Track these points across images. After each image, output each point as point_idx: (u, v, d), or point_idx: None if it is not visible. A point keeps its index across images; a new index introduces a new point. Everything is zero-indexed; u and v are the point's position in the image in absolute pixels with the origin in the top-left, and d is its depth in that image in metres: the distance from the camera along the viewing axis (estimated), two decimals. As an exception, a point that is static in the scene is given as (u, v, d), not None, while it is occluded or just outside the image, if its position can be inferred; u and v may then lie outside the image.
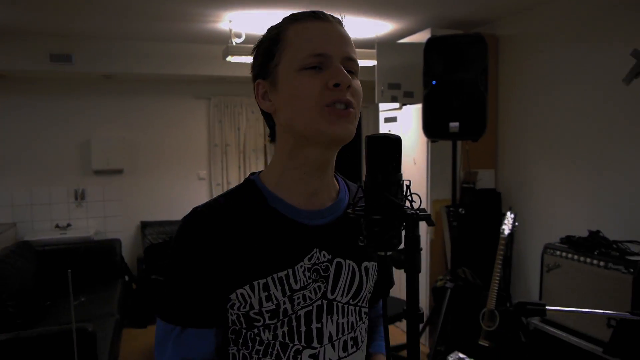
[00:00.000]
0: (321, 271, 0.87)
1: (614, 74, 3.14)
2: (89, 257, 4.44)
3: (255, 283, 0.83)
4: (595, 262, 2.76)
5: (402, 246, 0.67)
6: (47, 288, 4.04)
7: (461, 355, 3.00)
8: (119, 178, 5.20)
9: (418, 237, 0.66)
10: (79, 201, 5.06)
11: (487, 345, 3.13)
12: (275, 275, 0.84)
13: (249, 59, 4.05)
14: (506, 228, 3.33)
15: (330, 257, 0.88)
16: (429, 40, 3.39)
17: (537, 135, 3.78)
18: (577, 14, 3.41)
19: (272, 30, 0.90)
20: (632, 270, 2.56)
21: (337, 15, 0.89)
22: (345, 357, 0.90)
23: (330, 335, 0.88)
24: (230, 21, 3.85)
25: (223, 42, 4.37)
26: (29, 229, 4.85)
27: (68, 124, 4.99)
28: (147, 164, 5.31)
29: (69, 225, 4.98)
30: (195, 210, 0.86)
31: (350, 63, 0.84)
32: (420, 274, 0.67)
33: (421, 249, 0.66)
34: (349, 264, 0.90)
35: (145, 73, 4.77)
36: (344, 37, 0.85)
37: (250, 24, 3.92)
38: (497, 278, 3.23)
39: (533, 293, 3.65)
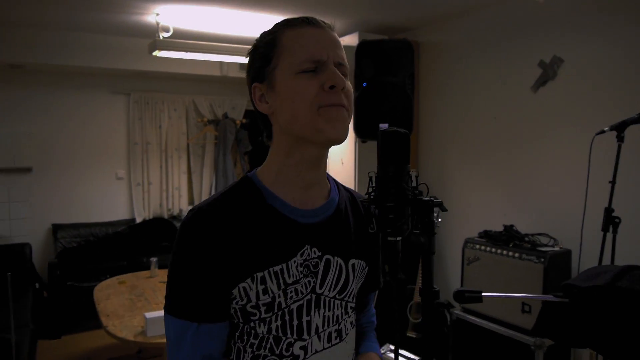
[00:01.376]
0: (311, 267, 0.91)
1: (523, 82, 3.46)
2: (-5, 263, 4.08)
3: (255, 275, 0.87)
4: (510, 253, 3.02)
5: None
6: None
7: (392, 347, 3.15)
8: (27, 177, 4.80)
9: (433, 222, 0.71)
10: (-20, 202, 4.62)
11: (415, 336, 3.31)
12: (271, 269, 0.87)
13: (177, 54, 3.94)
14: (430, 224, 3.54)
15: (320, 253, 0.92)
16: (360, 44, 3.50)
17: (455, 136, 4.04)
18: (490, 27, 3.70)
19: (266, 35, 0.92)
20: (542, 259, 2.84)
21: (327, 21, 0.94)
22: (329, 347, 0.95)
23: (317, 327, 0.93)
24: (157, 14, 3.72)
25: (147, 36, 4.20)
26: None
27: (-33, 118, 4.54)
28: (59, 162, 4.95)
29: (-33, 229, 4.53)
30: (200, 209, 0.88)
31: (342, 67, 0.89)
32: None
33: (435, 233, 0.72)
34: (337, 261, 0.95)
35: (59, 64, 4.45)
36: (336, 43, 0.90)
37: (178, 18, 3.81)
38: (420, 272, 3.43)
39: (453, 284, 3.91)
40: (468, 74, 3.90)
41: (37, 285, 4.40)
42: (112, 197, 5.25)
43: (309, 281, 0.91)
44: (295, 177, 0.92)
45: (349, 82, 0.90)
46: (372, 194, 0.73)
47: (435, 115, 4.23)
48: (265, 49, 0.90)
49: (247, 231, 0.87)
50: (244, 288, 0.86)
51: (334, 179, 1.03)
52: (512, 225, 3.22)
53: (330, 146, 0.92)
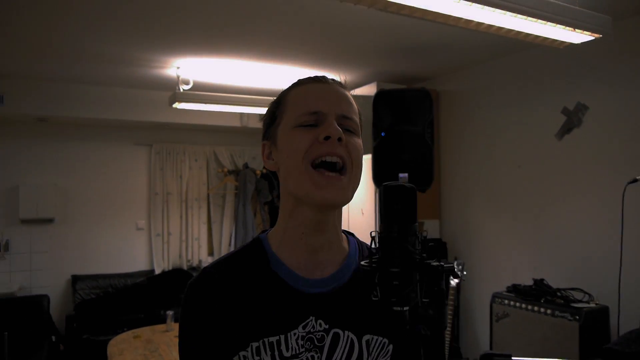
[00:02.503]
0: (316, 340, 0.82)
1: (547, 130, 3.36)
2: (13, 315, 4.03)
3: (251, 345, 0.80)
4: (542, 310, 2.83)
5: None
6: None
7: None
8: (49, 228, 4.83)
9: (444, 291, 0.62)
10: (2, 253, 4.63)
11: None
12: (266, 340, 0.80)
13: (197, 106, 3.99)
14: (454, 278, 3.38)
15: (327, 326, 0.83)
16: (378, 93, 3.49)
17: (479, 186, 3.92)
18: (511, 75, 3.65)
19: (279, 95, 0.93)
20: (577, 317, 2.65)
21: (338, 78, 0.91)
22: None
23: None
24: (178, 67, 3.80)
25: (168, 88, 4.29)
26: (-60, 285, 4.37)
27: (-6, 169, 4.64)
28: (81, 213, 4.98)
29: (-12, 280, 4.53)
30: (205, 269, 0.88)
31: (347, 121, 0.85)
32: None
33: (446, 304, 0.63)
34: (348, 336, 0.84)
35: (83, 117, 4.57)
36: (340, 96, 0.87)
37: (198, 71, 3.89)
38: (448, 330, 3.24)
39: (482, 343, 3.68)
40: (490, 122, 3.83)
41: (53, 338, 4.33)
42: (131, 248, 5.23)
43: (312, 356, 0.81)
44: (299, 241, 0.86)
45: (358, 140, 0.86)
46: (375, 257, 0.64)
47: (457, 164, 4.14)
48: (272, 107, 0.92)
49: (247, 297, 0.83)
50: (244, 356, 0.80)
51: (357, 241, 0.95)
52: (542, 279, 3.03)
53: (326, 211, 0.85)
